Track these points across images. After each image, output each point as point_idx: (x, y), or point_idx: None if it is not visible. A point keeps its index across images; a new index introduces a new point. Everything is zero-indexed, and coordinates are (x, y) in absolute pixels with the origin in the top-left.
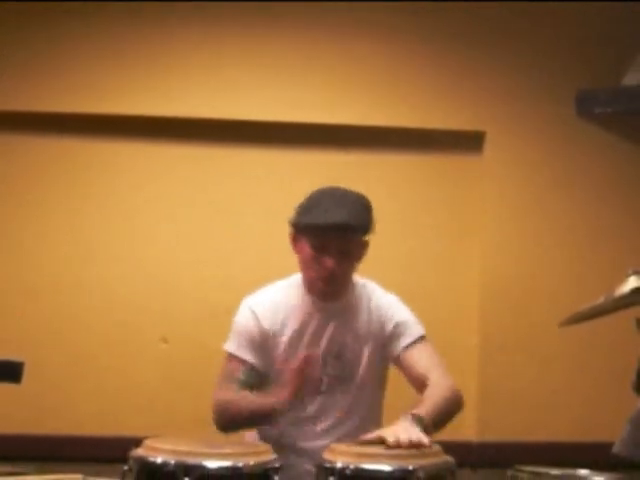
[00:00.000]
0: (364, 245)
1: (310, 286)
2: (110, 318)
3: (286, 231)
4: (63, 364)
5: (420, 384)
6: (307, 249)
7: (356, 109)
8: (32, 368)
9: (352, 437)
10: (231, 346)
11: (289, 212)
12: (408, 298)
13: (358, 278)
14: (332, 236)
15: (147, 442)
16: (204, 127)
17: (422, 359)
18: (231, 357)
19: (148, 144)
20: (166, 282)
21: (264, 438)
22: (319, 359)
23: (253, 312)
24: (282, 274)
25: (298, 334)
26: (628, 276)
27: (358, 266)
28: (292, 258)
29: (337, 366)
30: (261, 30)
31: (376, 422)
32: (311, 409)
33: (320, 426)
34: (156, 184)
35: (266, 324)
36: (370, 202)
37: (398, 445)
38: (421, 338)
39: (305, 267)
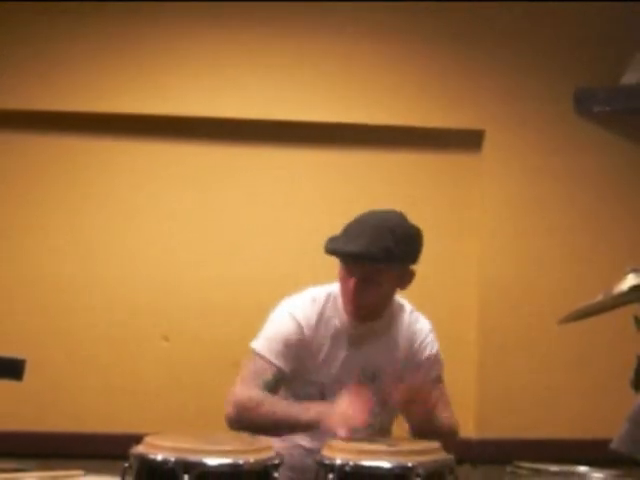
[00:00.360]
0: (402, 274)
1: (345, 308)
2: (111, 316)
3: (287, 229)
4: (65, 362)
5: None
6: (340, 271)
7: (357, 108)
8: (34, 366)
9: None
10: (266, 350)
11: (289, 210)
12: (408, 296)
13: (396, 298)
14: (353, 264)
15: (147, 439)
16: (204, 126)
17: (437, 395)
18: (262, 359)
19: (149, 143)
20: (167, 281)
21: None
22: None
23: (295, 320)
24: (283, 273)
25: (334, 350)
26: (626, 274)
27: (397, 291)
28: (293, 257)
29: (371, 388)
30: (261, 29)
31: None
32: None
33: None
34: (156, 183)
35: (308, 334)
36: (411, 232)
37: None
38: (440, 374)
39: (340, 285)
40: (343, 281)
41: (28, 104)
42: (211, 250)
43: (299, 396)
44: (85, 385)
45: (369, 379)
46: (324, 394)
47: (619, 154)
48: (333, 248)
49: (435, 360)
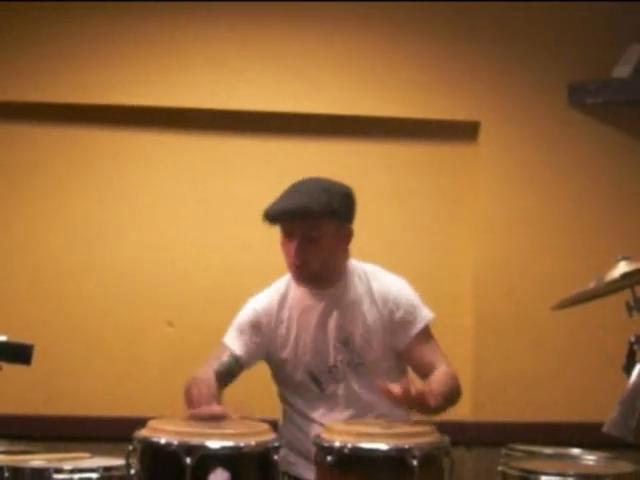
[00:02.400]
0: (339, 231)
1: (291, 275)
2: (117, 302)
3: None
4: (71, 347)
5: (426, 373)
6: (281, 237)
7: (354, 99)
8: (41, 350)
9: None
10: (226, 337)
11: None
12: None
13: (359, 264)
14: (293, 222)
15: (151, 423)
16: (207, 117)
17: (427, 349)
18: (222, 345)
19: (153, 134)
20: (171, 268)
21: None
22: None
23: (252, 307)
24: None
25: (305, 326)
26: (618, 261)
27: (342, 252)
28: None
29: (346, 352)
30: (260, 22)
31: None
32: (333, 397)
33: (344, 414)
34: (160, 173)
35: (264, 321)
36: (343, 190)
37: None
38: (426, 326)
39: (283, 256)
40: (285, 247)
41: (33, 96)
42: (215, 238)
43: (296, 383)
44: (91, 370)
45: (343, 344)
46: (312, 372)
47: (611, 145)
48: (273, 210)
49: (414, 317)
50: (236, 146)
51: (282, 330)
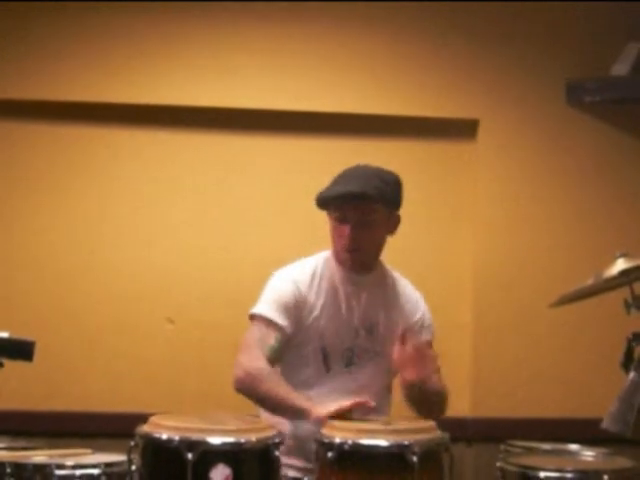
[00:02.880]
0: (390, 217)
1: (338, 258)
2: (118, 300)
3: (289, 215)
4: (73, 343)
5: None
6: (331, 222)
7: (354, 98)
8: (43, 347)
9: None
10: (267, 311)
11: (290, 197)
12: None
13: (390, 267)
14: (347, 207)
15: (153, 419)
16: (210, 115)
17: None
18: (264, 321)
19: (155, 132)
20: (172, 266)
21: None
22: (371, 409)
23: (292, 279)
24: (287, 258)
25: (333, 303)
26: (616, 258)
27: (386, 239)
28: (296, 241)
29: (369, 339)
30: (259, 20)
31: (387, 404)
32: (335, 379)
33: (340, 398)
34: (161, 171)
35: (305, 291)
36: (394, 177)
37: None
38: (430, 340)
39: (332, 240)
40: (337, 231)
41: (38, 94)
42: (215, 236)
43: (302, 355)
44: (93, 366)
45: (367, 331)
46: (325, 349)
47: (609, 142)
48: (329, 194)
49: (427, 325)
50: (235, 144)
51: (312, 301)
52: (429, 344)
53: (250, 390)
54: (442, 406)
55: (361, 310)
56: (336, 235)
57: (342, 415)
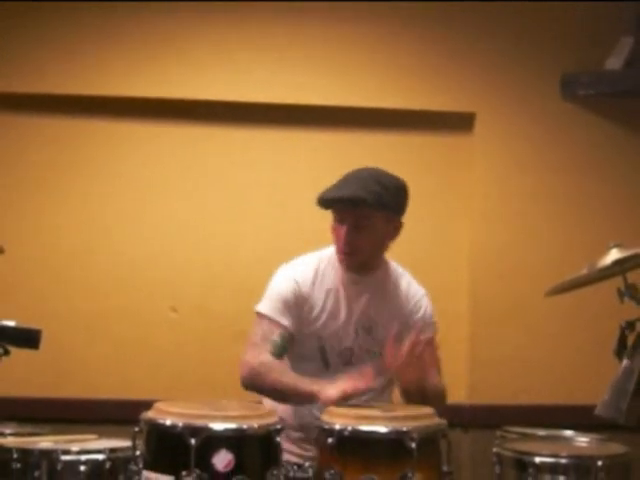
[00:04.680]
0: (388, 223)
1: (338, 257)
2: (123, 289)
3: (292, 206)
4: (79, 332)
5: None
6: (332, 222)
7: (353, 92)
8: (49, 335)
9: None
10: (269, 309)
11: (290, 189)
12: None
13: (396, 264)
14: (344, 209)
15: (157, 405)
16: (209, 108)
17: (428, 356)
18: (267, 320)
19: (159, 125)
20: (176, 256)
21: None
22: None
23: (293, 278)
24: (287, 249)
25: (333, 303)
26: (609, 249)
27: (388, 243)
28: (296, 231)
29: (368, 340)
30: (259, 15)
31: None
32: (335, 377)
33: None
34: (164, 162)
35: (305, 290)
36: (396, 183)
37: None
38: (433, 337)
39: (333, 239)
40: (336, 231)
41: (41, 88)
42: (218, 227)
43: (301, 353)
44: (98, 354)
45: (366, 331)
46: (323, 347)
47: (603, 135)
48: (326, 196)
49: (429, 323)
50: (237, 137)
51: (312, 300)
52: (430, 341)
53: (257, 385)
54: (440, 405)
55: (360, 310)
56: (335, 235)
57: (352, 396)
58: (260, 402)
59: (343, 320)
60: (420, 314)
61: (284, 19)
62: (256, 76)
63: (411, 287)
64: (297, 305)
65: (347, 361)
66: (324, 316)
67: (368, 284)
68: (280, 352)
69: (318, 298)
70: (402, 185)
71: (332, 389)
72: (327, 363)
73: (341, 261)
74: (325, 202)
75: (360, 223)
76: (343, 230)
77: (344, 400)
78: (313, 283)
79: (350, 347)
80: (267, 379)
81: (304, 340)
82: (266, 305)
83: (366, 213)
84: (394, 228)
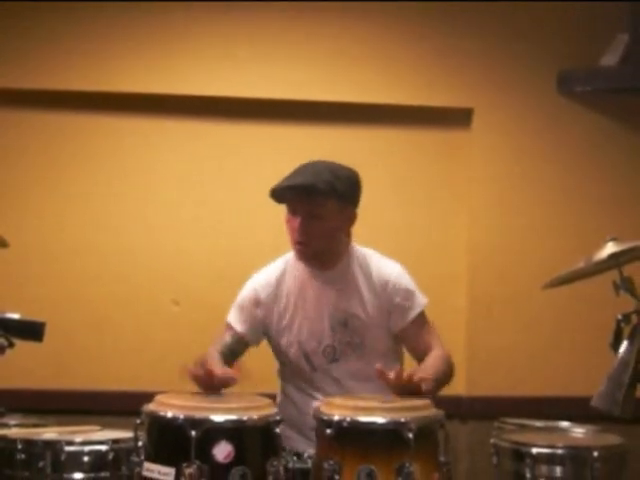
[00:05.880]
0: (342, 212)
1: (293, 249)
2: (125, 282)
3: None
4: (82, 324)
5: (421, 355)
6: (286, 215)
7: (352, 88)
8: (53, 328)
9: None
10: (229, 316)
11: None
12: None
13: (357, 248)
14: (297, 200)
15: (158, 398)
16: (212, 104)
17: (423, 333)
18: (226, 325)
19: (162, 120)
20: (178, 250)
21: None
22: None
23: (252, 284)
24: (286, 240)
25: (302, 305)
26: (606, 242)
27: (344, 234)
28: None
29: (346, 333)
30: (260, 12)
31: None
32: (325, 376)
33: (340, 392)
34: (167, 156)
35: (263, 295)
36: (349, 173)
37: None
38: (422, 311)
39: (287, 231)
40: (289, 224)
41: (45, 84)
42: (221, 221)
43: (290, 363)
44: (101, 346)
45: (342, 325)
46: (305, 351)
47: (599, 130)
48: (279, 187)
49: (412, 302)
50: (240, 131)
51: (280, 307)
52: (422, 317)
53: None
54: (451, 375)
55: (332, 305)
56: (289, 228)
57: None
58: (261, 394)
59: (316, 319)
60: (400, 297)
61: (285, 16)
62: (258, 72)
63: (382, 271)
64: (253, 310)
65: (332, 359)
66: (297, 321)
67: (334, 278)
68: (228, 352)
69: (285, 302)
70: (355, 176)
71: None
72: (312, 366)
73: (296, 252)
74: (279, 191)
75: (313, 212)
76: (297, 221)
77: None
78: (276, 289)
79: (330, 344)
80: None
81: (287, 349)
82: (230, 313)
83: (319, 201)
84: (348, 218)
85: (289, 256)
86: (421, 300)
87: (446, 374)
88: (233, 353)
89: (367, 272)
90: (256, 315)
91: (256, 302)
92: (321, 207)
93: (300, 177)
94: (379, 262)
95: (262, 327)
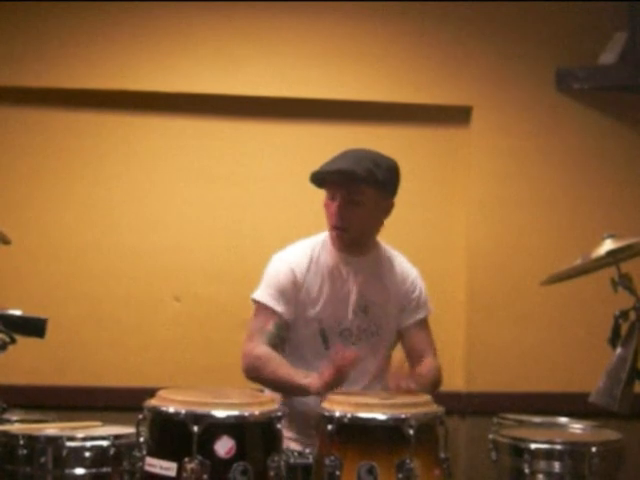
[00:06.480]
0: (380, 201)
1: (331, 237)
2: (127, 278)
3: (293, 197)
4: (84, 320)
5: (416, 358)
6: (325, 199)
7: (352, 85)
8: (55, 324)
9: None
10: (264, 297)
11: (292, 178)
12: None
13: (387, 246)
14: (336, 185)
15: (160, 393)
16: (215, 102)
17: (424, 337)
18: (263, 307)
19: (163, 118)
20: (179, 246)
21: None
22: (360, 359)
23: (287, 264)
24: (290, 237)
25: (330, 286)
26: (603, 239)
27: (380, 223)
28: (299, 222)
29: (365, 319)
30: (261, 11)
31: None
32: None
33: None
34: (169, 153)
35: (301, 275)
36: (389, 163)
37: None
38: (427, 317)
39: (326, 216)
40: (328, 208)
41: (51, 82)
42: (221, 216)
43: (302, 336)
44: (103, 342)
45: (363, 311)
46: (324, 330)
47: (597, 128)
48: (319, 171)
49: (423, 303)
50: (240, 129)
51: (309, 284)
52: (424, 322)
53: (256, 377)
54: (436, 387)
55: (357, 291)
56: (327, 213)
57: (339, 379)
58: (262, 390)
59: (340, 301)
60: (416, 293)
61: (284, 14)
62: (260, 71)
63: (404, 267)
64: (293, 291)
65: (346, 341)
66: (322, 300)
67: (362, 265)
68: (277, 341)
69: (314, 283)
70: (394, 165)
71: (319, 382)
72: (326, 345)
73: (334, 237)
74: (319, 175)
75: (352, 198)
76: (335, 206)
77: (331, 389)
78: (308, 269)
79: (348, 328)
80: (264, 372)
81: (306, 324)
82: (262, 293)
83: (358, 188)
84: (386, 207)
85: (320, 238)
86: (429, 306)
87: (434, 386)
88: (281, 340)
89: (391, 265)
90: (296, 296)
91: (294, 283)
92: (360, 194)
93: (341, 163)
94: (402, 261)
95: (297, 306)
